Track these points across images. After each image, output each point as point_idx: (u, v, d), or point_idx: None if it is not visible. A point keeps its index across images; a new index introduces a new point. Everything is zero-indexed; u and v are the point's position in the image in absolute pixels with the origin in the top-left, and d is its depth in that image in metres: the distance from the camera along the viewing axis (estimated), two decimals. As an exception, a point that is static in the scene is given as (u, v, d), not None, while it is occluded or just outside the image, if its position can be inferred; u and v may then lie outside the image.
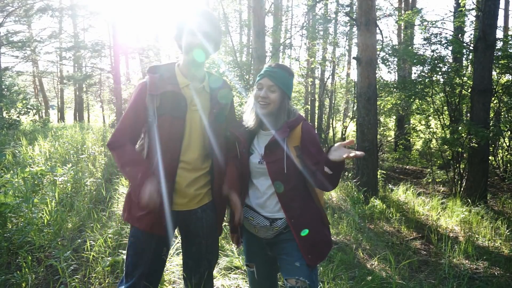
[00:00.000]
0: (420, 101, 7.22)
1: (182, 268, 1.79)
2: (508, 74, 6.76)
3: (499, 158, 7.62)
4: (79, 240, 3.29)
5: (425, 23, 6.99)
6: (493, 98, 6.30)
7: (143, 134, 1.64)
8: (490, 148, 6.56)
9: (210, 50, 1.57)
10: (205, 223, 1.66)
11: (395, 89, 7.39)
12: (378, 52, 6.84)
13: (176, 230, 1.73)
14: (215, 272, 2.72)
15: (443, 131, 6.79)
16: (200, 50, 1.54)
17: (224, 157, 1.67)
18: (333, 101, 11.88)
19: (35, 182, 4.26)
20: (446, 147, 6.43)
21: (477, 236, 4.19)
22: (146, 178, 1.47)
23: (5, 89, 11.11)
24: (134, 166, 1.51)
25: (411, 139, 10.11)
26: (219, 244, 3.26)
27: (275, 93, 1.58)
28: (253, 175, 1.67)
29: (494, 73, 6.20)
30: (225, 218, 1.91)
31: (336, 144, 1.44)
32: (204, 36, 1.54)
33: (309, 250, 1.58)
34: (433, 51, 6.70)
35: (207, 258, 1.70)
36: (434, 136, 6.95)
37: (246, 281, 2.77)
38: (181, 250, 1.83)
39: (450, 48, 7.13)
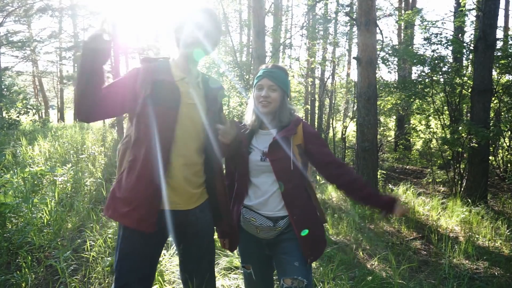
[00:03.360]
0: (420, 101, 7.22)
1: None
2: (508, 74, 6.76)
3: (499, 158, 7.62)
4: (79, 240, 3.29)
5: (425, 23, 7.00)
6: (493, 98, 6.29)
7: (130, 123, 1.56)
8: (490, 148, 6.55)
9: (209, 49, 1.56)
10: (204, 223, 1.59)
11: (395, 89, 7.38)
12: (378, 52, 6.83)
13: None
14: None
15: (443, 131, 6.79)
16: (199, 46, 1.52)
17: (219, 156, 1.61)
18: (333, 101, 11.87)
19: (35, 182, 4.26)
20: (446, 147, 6.43)
21: (477, 236, 4.18)
22: None
23: (5, 89, 11.10)
24: None
25: (411, 139, 10.10)
26: (219, 245, 3.28)
27: (275, 92, 1.62)
28: (252, 174, 1.66)
29: (494, 73, 6.20)
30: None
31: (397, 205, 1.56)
32: (206, 34, 1.51)
33: (310, 248, 1.58)
34: (433, 51, 6.69)
35: (207, 259, 1.64)
36: (434, 136, 6.95)
37: (246, 281, 2.77)
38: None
39: (450, 48, 7.13)
